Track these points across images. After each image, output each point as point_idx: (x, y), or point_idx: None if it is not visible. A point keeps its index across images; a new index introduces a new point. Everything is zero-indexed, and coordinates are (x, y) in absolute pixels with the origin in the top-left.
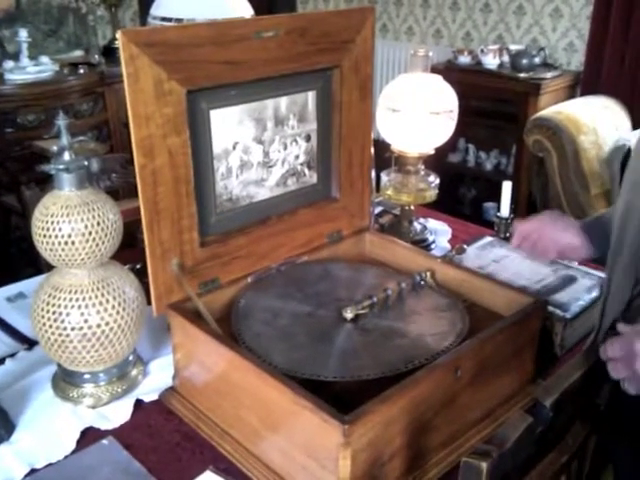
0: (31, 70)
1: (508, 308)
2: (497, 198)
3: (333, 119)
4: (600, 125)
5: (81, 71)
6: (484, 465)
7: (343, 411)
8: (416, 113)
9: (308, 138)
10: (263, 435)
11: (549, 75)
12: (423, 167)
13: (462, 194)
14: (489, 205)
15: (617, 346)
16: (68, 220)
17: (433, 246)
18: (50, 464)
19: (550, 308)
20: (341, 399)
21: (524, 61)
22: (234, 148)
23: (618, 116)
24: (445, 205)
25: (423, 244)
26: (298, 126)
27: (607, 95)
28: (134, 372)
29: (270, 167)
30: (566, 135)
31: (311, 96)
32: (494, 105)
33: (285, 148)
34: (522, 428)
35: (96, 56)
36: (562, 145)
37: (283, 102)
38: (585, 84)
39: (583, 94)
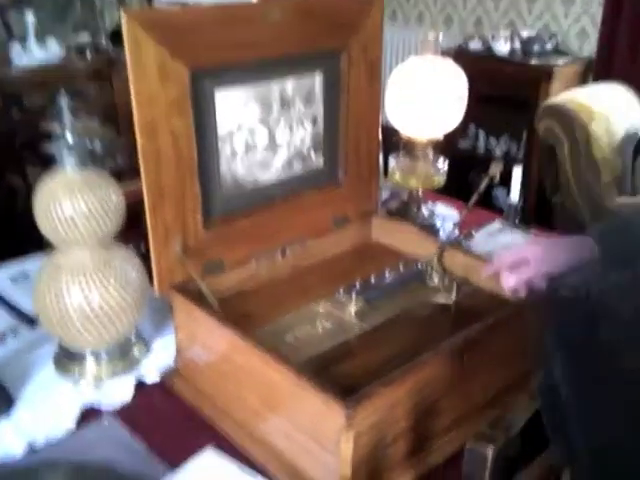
0: (38, 54)
1: None
2: (507, 185)
3: (340, 102)
4: (612, 112)
5: (88, 55)
6: (489, 451)
7: (347, 393)
8: (426, 98)
9: (314, 121)
10: (265, 417)
11: (561, 61)
12: (432, 152)
13: (472, 180)
14: (499, 191)
15: None
16: (70, 200)
17: (441, 231)
18: (50, 441)
19: None
20: (345, 382)
21: (536, 47)
22: (239, 130)
23: (630, 103)
24: (454, 191)
25: (431, 229)
26: (304, 108)
27: (619, 82)
28: (136, 351)
29: (276, 150)
30: (578, 122)
31: (318, 78)
32: (505, 91)
33: (291, 131)
34: (530, 413)
35: (103, 40)
36: (573, 132)
37: (289, 84)
38: (597, 71)
39: (595, 81)
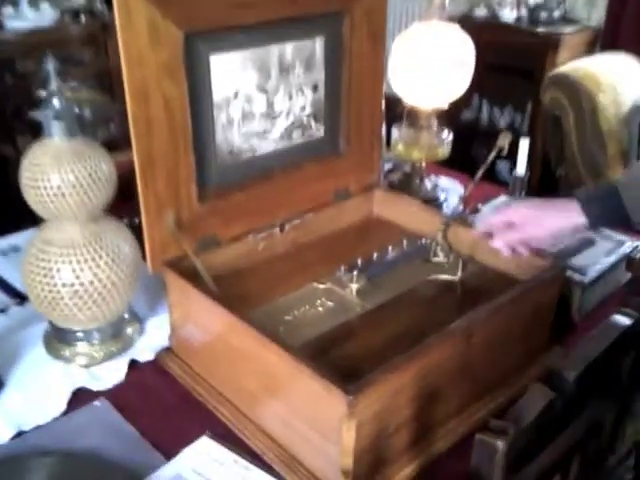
0: (31, 17)
1: (524, 272)
2: (510, 157)
3: (342, 68)
4: (620, 83)
5: (82, 19)
6: (500, 444)
7: (349, 378)
8: (431, 65)
9: (315, 88)
10: (262, 401)
11: (568, 30)
12: (436, 122)
13: (475, 153)
14: (502, 164)
15: None
16: (58, 171)
17: (445, 205)
18: (39, 426)
19: (568, 272)
20: (347, 364)
21: (543, 15)
22: (236, 97)
23: (638, 74)
24: (456, 164)
25: (434, 203)
26: (304, 75)
27: (627, 52)
28: (129, 330)
29: (274, 118)
30: (584, 93)
31: (319, 43)
32: (510, 61)
33: (290, 98)
34: (543, 404)
35: (98, 3)
36: (580, 103)
37: (289, 48)
38: (605, 40)
39: (602, 50)
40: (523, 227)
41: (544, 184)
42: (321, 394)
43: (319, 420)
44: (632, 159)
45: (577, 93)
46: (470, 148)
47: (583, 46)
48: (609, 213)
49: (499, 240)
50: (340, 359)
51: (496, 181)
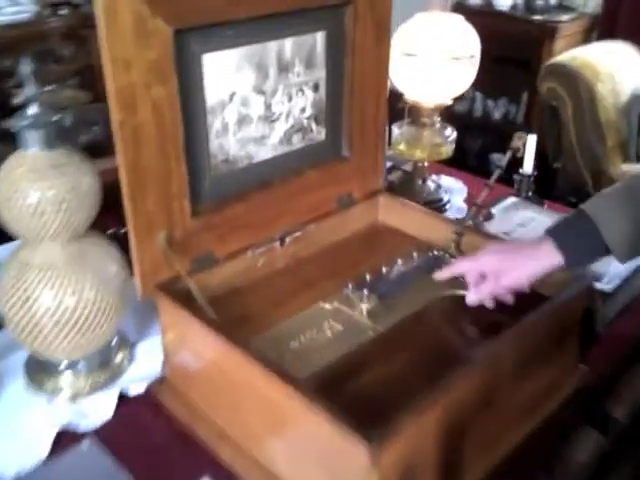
0: (8, 10)
1: (544, 285)
2: (504, 149)
3: (345, 65)
4: (618, 72)
5: (63, 12)
6: None
7: (368, 417)
8: (434, 58)
9: (316, 87)
10: (268, 442)
11: (565, 18)
12: (439, 119)
13: (468, 145)
14: (496, 157)
15: None
16: (36, 186)
17: (448, 206)
18: (20, 472)
19: None
20: (363, 397)
21: (539, 2)
22: (231, 100)
23: (636, 62)
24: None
25: (437, 204)
26: (305, 73)
27: (625, 40)
28: (119, 357)
29: (272, 122)
30: (582, 82)
31: (320, 38)
32: (506, 50)
33: (290, 99)
34: (590, 449)
35: None
36: (578, 93)
37: (288, 45)
38: (602, 28)
39: (600, 39)
40: (496, 278)
41: (541, 178)
42: (338, 441)
43: (335, 467)
44: (631, 150)
45: (575, 83)
46: (462, 140)
47: (580, 34)
48: (588, 244)
49: (475, 295)
50: (355, 392)
51: (488, 172)
